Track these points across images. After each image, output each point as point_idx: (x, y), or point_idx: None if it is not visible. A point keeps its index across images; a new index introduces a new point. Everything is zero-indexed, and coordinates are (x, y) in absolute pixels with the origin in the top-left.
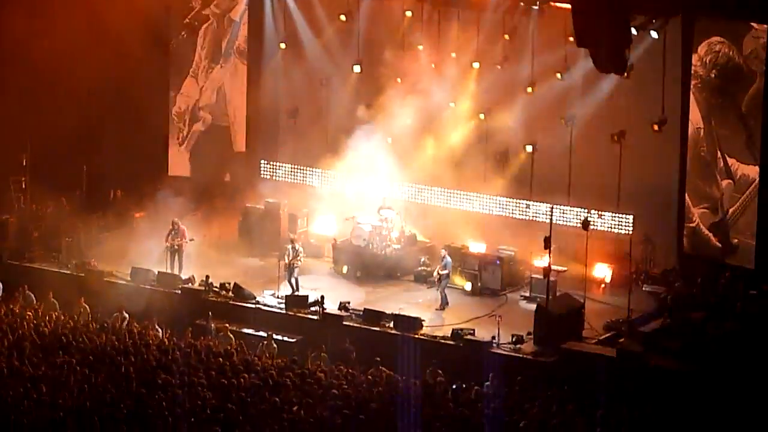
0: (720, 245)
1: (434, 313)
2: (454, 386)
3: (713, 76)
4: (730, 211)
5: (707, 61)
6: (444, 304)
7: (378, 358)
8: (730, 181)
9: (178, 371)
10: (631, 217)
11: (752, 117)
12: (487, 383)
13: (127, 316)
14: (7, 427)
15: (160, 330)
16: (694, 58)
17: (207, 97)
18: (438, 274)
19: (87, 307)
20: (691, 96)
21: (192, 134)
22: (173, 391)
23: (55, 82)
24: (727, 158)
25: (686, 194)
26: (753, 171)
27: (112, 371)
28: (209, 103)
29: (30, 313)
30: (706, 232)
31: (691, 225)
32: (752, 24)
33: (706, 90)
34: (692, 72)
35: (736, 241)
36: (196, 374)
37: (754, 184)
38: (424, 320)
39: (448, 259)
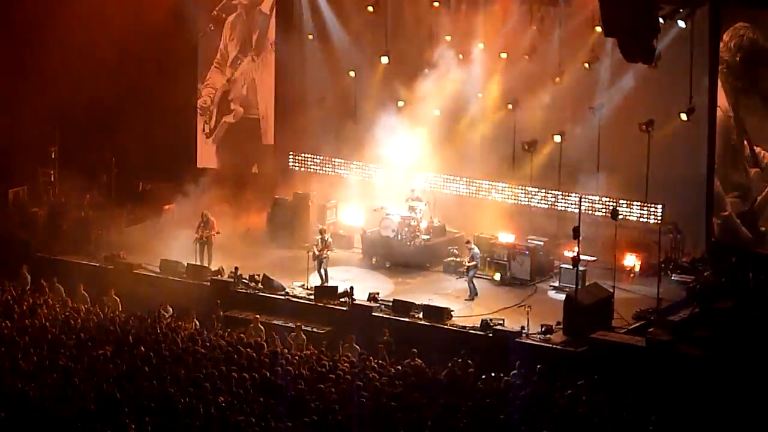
0: (750, 235)
1: (463, 303)
2: (483, 376)
3: (738, 59)
4: (759, 199)
5: (732, 45)
6: (473, 295)
7: (414, 350)
8: (758, 169)
9: (207, 363)
10: (659, 206)
11: None
12: (514, 371)
13: (170, 310)
14: (41, 419)
15: (197, 323)
16: (720, 45)
17: (238, 89)
18: (466, 265)
19: (117, 299)
20: (719, 83)
21: (221, 126)
22: (203, 383)
23: (78, 66)
24: (754, 147)
25: (717, 182)
26: None
27: (142, 364)
28: (241, 95)
29: (59, 306)
30: (737, 220)
31: (724, 214)
32: None
33: (732, 74)
34: (719, 59)
35: (764, 229)
36: (226, 365)
37: None
38: (453, 310)
39: (476, 249)
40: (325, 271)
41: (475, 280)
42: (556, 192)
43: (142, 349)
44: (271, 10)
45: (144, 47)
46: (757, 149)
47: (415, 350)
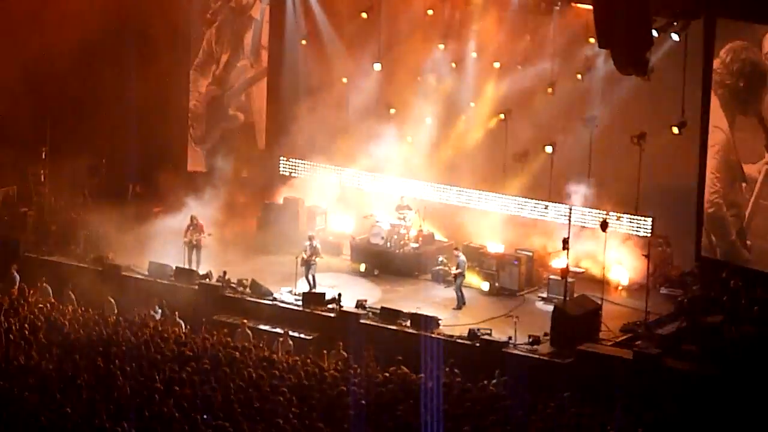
0: (748, 253)
1: (451, 312)
2: (469, 385)
3: (741, 85)
4: (747, 213)
5: (734, 69)
6: (461, 304)
7: (400, 357)
8: (745, 183)
9: (193, 366)
10: (649, 219)
11: None
12: (494, 380)
13: (160, 311)
14: (20, 424)
15: (182, 322)
16: (717, 63)
17: (237, 95)
18: (452, 273)
19: (113, 302)
20: (716, 101)
21: (216, 131)
22: (188, 385)
23: (68, 66)
24: (743, 164)
25: (723, 206)
26: (755, 169)
27: (128, 366)
28: (238, 101)
29: (45, 306)
30: (738, 241)
31: (731, 239)
32: None
33: (733, 98)
34: (717, 79)
35: (750, 243)
36: (211, 369)
37: (758, 181)
38: (440, 319)
39: (462, 258)
40: (314, 277)
41: (463, 289)
42: (547, 202)
43: (128, 350)
44: (262, 15)
45: (139, 47)
46: (744, 166)
47: (401, 357)
